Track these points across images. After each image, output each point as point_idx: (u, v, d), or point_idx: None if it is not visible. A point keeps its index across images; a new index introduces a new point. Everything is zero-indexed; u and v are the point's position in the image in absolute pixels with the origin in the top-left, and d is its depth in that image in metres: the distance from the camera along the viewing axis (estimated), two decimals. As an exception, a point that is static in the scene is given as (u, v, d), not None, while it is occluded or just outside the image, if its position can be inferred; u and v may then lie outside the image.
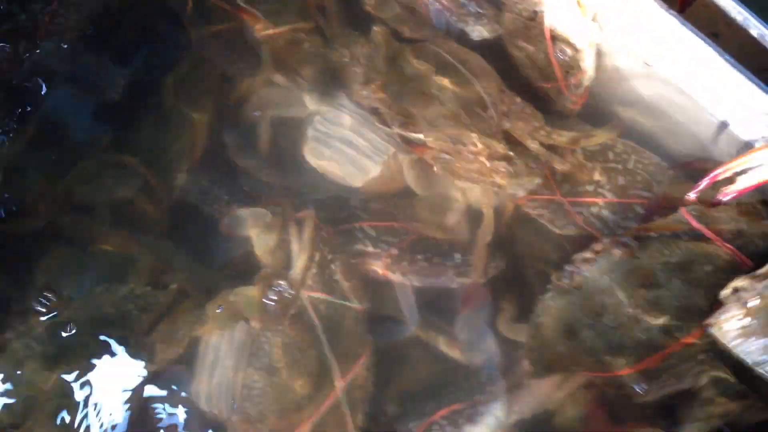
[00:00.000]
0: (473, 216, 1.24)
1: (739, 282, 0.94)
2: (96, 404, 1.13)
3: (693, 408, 0.99)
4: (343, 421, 1.10)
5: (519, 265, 1.23)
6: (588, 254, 1.09)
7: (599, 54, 1.25)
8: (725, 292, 0.95)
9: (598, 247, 1.09)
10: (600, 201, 1.19)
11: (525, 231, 1.24)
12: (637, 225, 1.13)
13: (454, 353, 1.18)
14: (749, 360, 0.95)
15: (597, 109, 1.28)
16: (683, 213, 1.06)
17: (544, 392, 1.11)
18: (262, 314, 1.16)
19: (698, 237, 1.05)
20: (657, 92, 1.21)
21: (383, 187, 1.29)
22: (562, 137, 1.19)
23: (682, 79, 1.15)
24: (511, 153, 1.19)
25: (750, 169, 1.03)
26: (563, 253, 1.18)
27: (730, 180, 1.05)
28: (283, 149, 1.34)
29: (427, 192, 1.26)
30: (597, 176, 1.21)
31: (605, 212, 1.18)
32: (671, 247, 1.05)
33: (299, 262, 1.19)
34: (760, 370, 0.95)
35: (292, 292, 1.17)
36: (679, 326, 1.03)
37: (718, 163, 1.13)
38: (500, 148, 1.19)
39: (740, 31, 1.08)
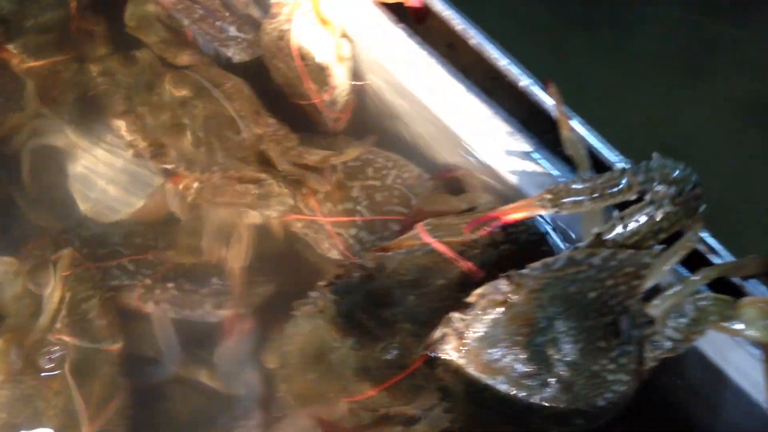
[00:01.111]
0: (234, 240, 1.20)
1: (452, 313, 0.92)
2: None
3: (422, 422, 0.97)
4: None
5: (286, 291, 1.19)
6: (329, 279, 1.06)
7: (354, 69, 1.24)
8: (444, 320, 0.93)
9: (339, 270, 1.06)
10: (358, 220, 1.16)
11: (294, 255, 1.22)
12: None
13: (216, 386, 1.15)
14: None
15: (363, 125, 1.26)
16: (418, 228, 1.04)
17: (302, 423, 1.08)
18: (5, 366, 1.10)
19: (432, 251, 1.03)
20: (408, 104, 1.19)
21: (148, 217, 1.25)
22: (313, 156, 1.17)
23: (421, 92, 1.14)
24: (263, 175, 1.16)
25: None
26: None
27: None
28: (49, 186, 1.29)
29: (189, 218, 1.22)
30: (355, 194, 1.18)
31: (363, 232, 1.16)
32: (406, 264, 1.03)
33: (49, 305, 1.14)
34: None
35: (40, 340, 1.12)
36: (416, 343, 1.00)
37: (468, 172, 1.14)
38: (249, 171, 1.16)
39: (465, 42, 1.07)
